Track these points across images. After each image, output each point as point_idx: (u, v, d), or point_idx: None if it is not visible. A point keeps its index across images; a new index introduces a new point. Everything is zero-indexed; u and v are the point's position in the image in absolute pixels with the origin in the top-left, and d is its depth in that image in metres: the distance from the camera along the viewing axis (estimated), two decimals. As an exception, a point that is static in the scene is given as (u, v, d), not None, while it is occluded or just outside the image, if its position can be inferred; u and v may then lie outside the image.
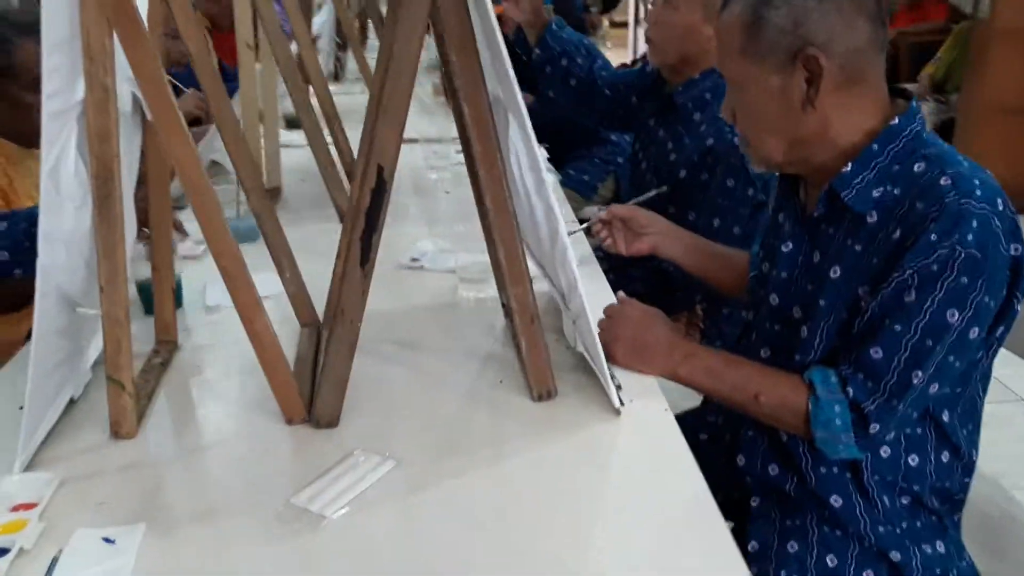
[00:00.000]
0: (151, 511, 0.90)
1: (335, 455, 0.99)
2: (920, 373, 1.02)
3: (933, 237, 0.99)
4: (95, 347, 1.13)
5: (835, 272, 1.11)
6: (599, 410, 1.07)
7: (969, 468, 1.19)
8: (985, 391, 1.18)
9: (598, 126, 2.55)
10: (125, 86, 1.01)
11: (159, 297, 1.22)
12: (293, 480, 0.94)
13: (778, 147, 1.11)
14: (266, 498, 0.91)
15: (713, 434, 1.36)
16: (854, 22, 1.03)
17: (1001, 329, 1.09)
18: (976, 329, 1.02)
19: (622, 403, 1.08)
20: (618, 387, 1.10)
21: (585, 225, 1.51)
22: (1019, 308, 1.11)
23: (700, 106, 1.80)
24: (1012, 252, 1.04)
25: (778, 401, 1.10)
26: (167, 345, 1.24)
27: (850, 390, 1.05)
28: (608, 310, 1.22)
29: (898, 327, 1.02)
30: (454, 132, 1.20)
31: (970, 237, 0.98)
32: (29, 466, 0.96)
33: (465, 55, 0.93)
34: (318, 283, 1.27)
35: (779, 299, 1.20)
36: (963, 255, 0.98)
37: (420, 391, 1.15)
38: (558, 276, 1.14)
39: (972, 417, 1.17)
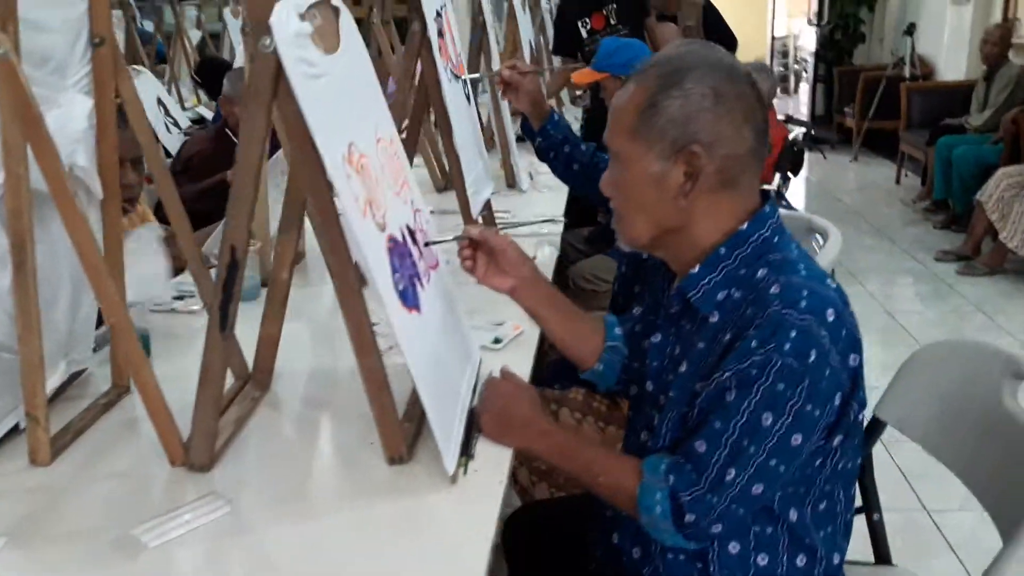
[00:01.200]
0: (18, 529, 1.07)
1: (195, 495, 1.13)
2: (734, 471, 1.03)
3: (753, 343, 1.02)
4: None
5: (683, 366, 1.14)
6: (440, 479, 1.15)
7: (832, 574, 1.16)
8: (849, 495, 1.16)
9: (601, 206, 2.63)
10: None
11: (114, 346, 1.42)
12: (149, 513, 1.09)
13: (646, 230, 1.15)
14: (114, 525, 1.07)
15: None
16: (741, 130, 1.08)
17: (840, 438, 1.08)
18: (799, 436, 1.03)
19: (465, 472, 1.15)
20: (470, 456, 1.18)
21: (450, 238, 1.35)
22: (861, 418, 1.11)
23: None
24: (851, 363, 1.04)
25: (615, 484, 1.14)
26: (118, 389, 1.43)
27: (671, 478, 1.08)
28: (486, 382, 1.30)
29: (718, 424, 1.04)
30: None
31: (787, 346, 1.00)
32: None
33: (304, 154, 1.06)
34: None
35: (652, 386, 1.23)
36: (780, 363, 1.00)
37: (300, 444, 1.28)
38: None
39: (832, 520, 1.15)
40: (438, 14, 1.86)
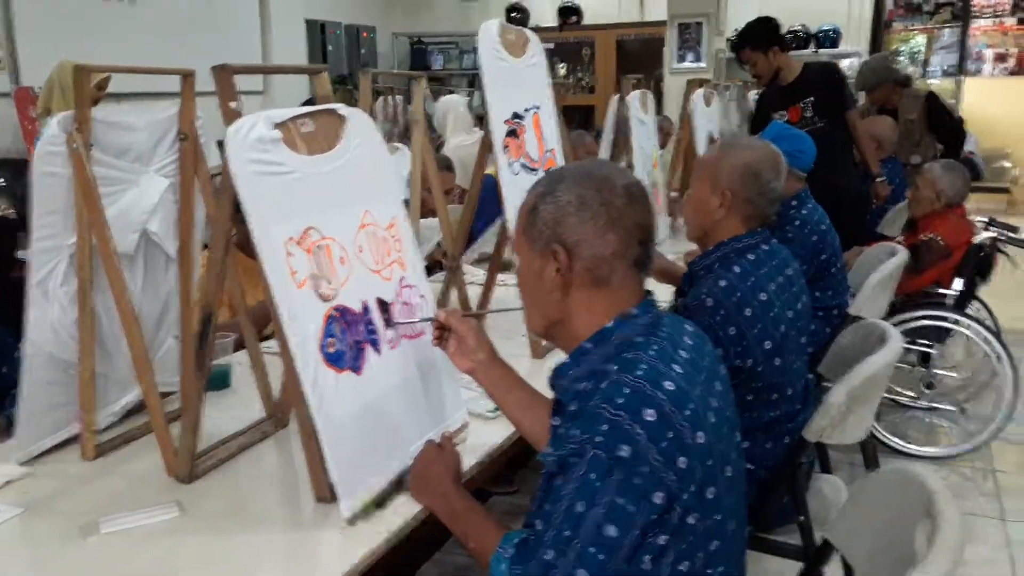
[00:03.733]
0: (35, 503, 1.41)
1: (167, 499, 1.41)
2: (552, 553, 1.10)
3: (574, 432, 1.10)
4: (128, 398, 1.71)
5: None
6: (341, 522, 1.33)
7: None
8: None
9: None
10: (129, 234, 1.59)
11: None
12: (125, 508, 1.38)
13: (538, 320, 1.28)
14: (95, 511, 1.37)
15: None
16: (604, 234, 1.19)
17: (666, 538, 1.09)
18: (612, 528, 1.07)
19: (366, 517, 1.33)
20: (380, 505, 1.35)
21: (417, 320, 1.55)
22: (694, 523, 1.11)
23: (706, 274, 1.89)
24: (680, 465, 1.08)
25: (480, 549, 1.24)
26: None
27: (511, 550, 1.16)
28: (424, 445, 1.45)
29: (548, 506, 1.12)
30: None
31: (599, 439, 1.07)
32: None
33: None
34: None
35: None
36: (591, 454, 1.07)
37: (269, 479, 1.51)
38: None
39: None
40: (517, 116, 2.08)
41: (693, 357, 1.20)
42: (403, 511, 1.36)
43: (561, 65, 9.08)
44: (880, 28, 7.53)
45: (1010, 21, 9.11)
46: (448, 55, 9.71)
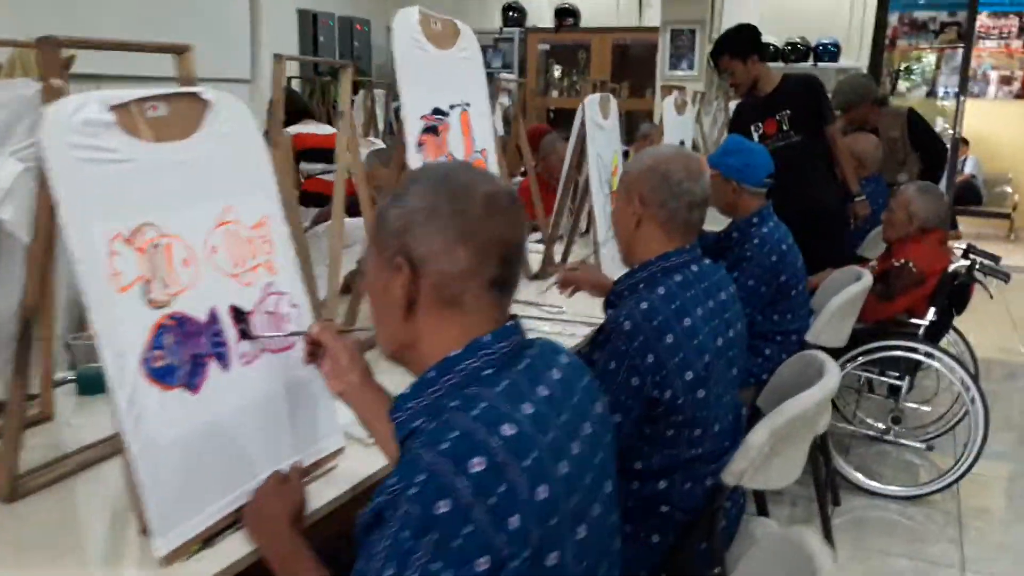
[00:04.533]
0: None
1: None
2: None
3: (391, 480, 0.93)
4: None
5: None
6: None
7: None
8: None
9: None
10: None
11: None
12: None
13: (387, 342, 1.11)
14: None
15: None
16: (453, 249, 1.02)
17: None
18: None
19: (187, 558, 1.16)
20: (206, 544, 1.19)
21: (282, 334, 1.39)
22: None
23: (629, 295, 1.72)
24: (511, 526, 0.91)
25: None
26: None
27: None
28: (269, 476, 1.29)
29: (360, 564, 0.96)
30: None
31: (413, 491, 0.90)
32: None
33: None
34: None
35: None
36: (405, 508, 0.90)
37: (103, 502, 1.35)
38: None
39: None
40: (439, 112, 1.91)
41: (557, 394, 1.04)
42: (233, 551, 1.20)
43: (556, 67, 8.91)
44: (881, 44, 7.32)
45: (1016, 44, 8.92)
46: (445, 52, 9.55)
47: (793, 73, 3.79)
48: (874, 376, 3.18)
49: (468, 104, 2.03)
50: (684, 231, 1.74)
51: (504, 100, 5.05)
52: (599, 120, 2.86)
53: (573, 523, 0.99)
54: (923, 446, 3.33)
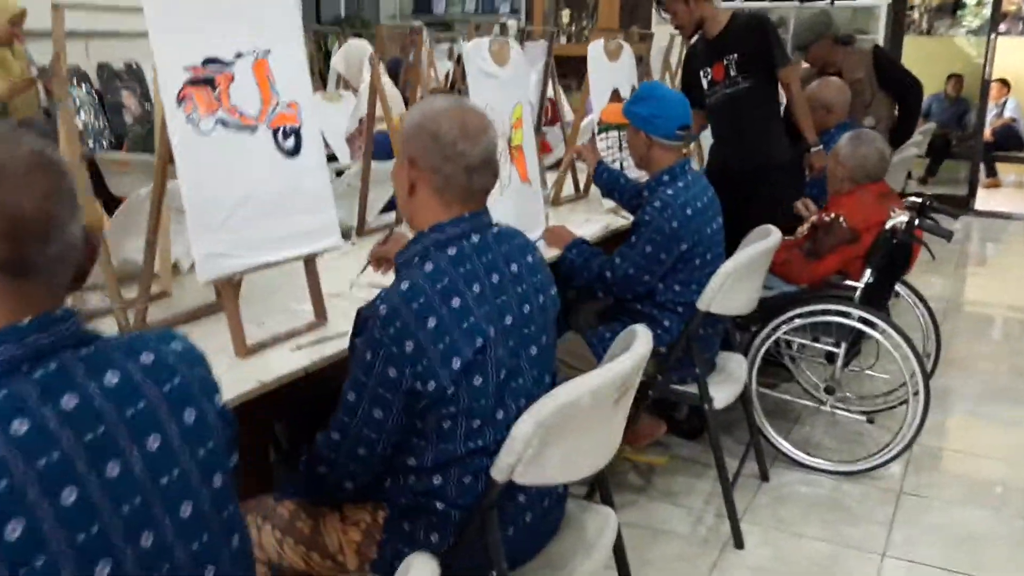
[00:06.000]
0: None
1: None
2: None
3: None
4: None
5: None
6: None
7: None
8: None
9: None
10: None
11: None
12: None
13: None
14: None
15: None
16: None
17: None
18: None
19: None
20: None
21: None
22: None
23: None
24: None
25: None
26: None
27: None
28: None
29: None
30: None
31: None
32: None
33: None
34: None
35: None
36: None
37: None
38: None
39: None
40: (214, 61, 1.72)
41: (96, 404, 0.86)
42: None
43: (565, 11, 8.56)
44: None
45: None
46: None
47: (741, 12, 3.46)
48: (807, 343, 2.91)
49: (268, 50, 1.83)
50: (464, 198, 1.52)
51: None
52: (488, 68, 2.61)
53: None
54: (863, 419, 3.05)
